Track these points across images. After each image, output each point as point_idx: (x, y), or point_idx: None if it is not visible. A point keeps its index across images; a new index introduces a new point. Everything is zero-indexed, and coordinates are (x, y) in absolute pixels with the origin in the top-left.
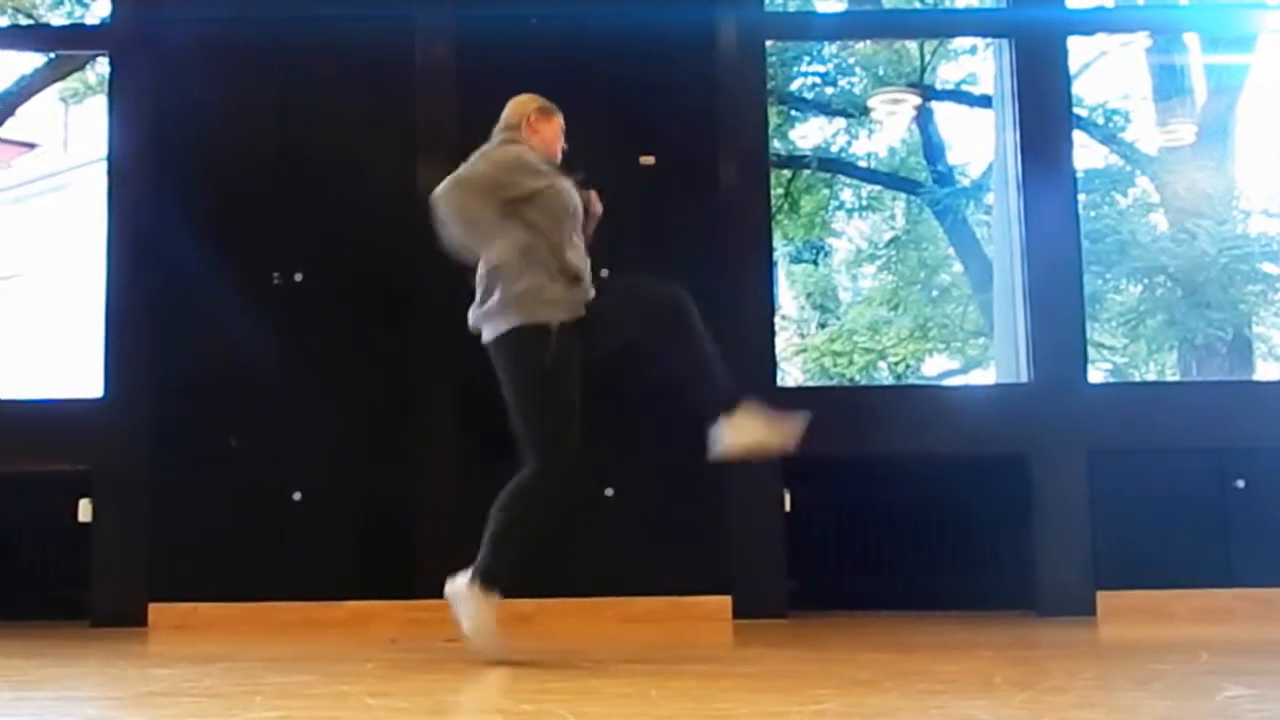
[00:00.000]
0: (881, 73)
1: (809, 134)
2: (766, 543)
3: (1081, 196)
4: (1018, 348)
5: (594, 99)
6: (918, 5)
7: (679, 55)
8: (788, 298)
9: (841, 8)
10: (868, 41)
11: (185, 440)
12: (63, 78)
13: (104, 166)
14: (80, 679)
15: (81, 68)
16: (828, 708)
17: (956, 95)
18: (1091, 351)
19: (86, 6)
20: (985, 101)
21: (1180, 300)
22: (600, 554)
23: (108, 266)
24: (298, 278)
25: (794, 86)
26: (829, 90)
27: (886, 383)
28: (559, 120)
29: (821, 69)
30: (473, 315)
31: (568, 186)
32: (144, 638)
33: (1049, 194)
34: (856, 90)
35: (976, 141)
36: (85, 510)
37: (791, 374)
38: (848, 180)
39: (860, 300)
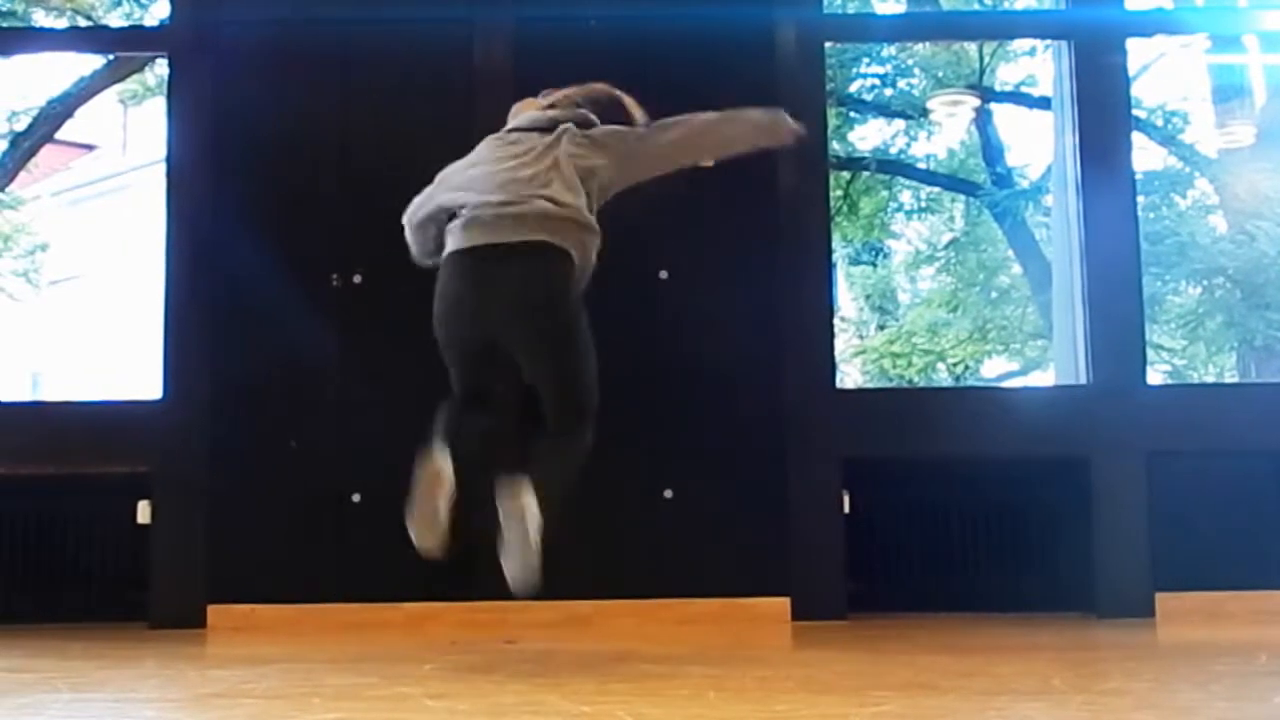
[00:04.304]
0: (940, 74)
1: (868, 135)
2: (825, 544)
3: (1141, 198)
4: (1076, 349)
5: (653, 100)
6: (977, 7)
7: (738, 57)
8: (847, 299)
9: (900, 9)
10: (927, 43)
11: (244, 442)
12: (122, 79)
13: (163, 168)
14: (139, 680)
15: (140, 69)
16: (887, 709)
17: (1015, 97)
18: (1151, 353)
19: (145, 8)
20: (1044, 103)
21: (1239, 302)
22: (658, 555)
23: (166, 268)
24: (357, 279)
25: (853, 88)
26: (888, 92)
27: (945, 384)
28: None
29: (880, 70)
30: None
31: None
32: (202, 639)
33: (1108, 196)
34: (915, 92)
35: (1035, 143)
36: (144, 512)
37: (851, 376)
38: (907, 182)
39: (919, 302)
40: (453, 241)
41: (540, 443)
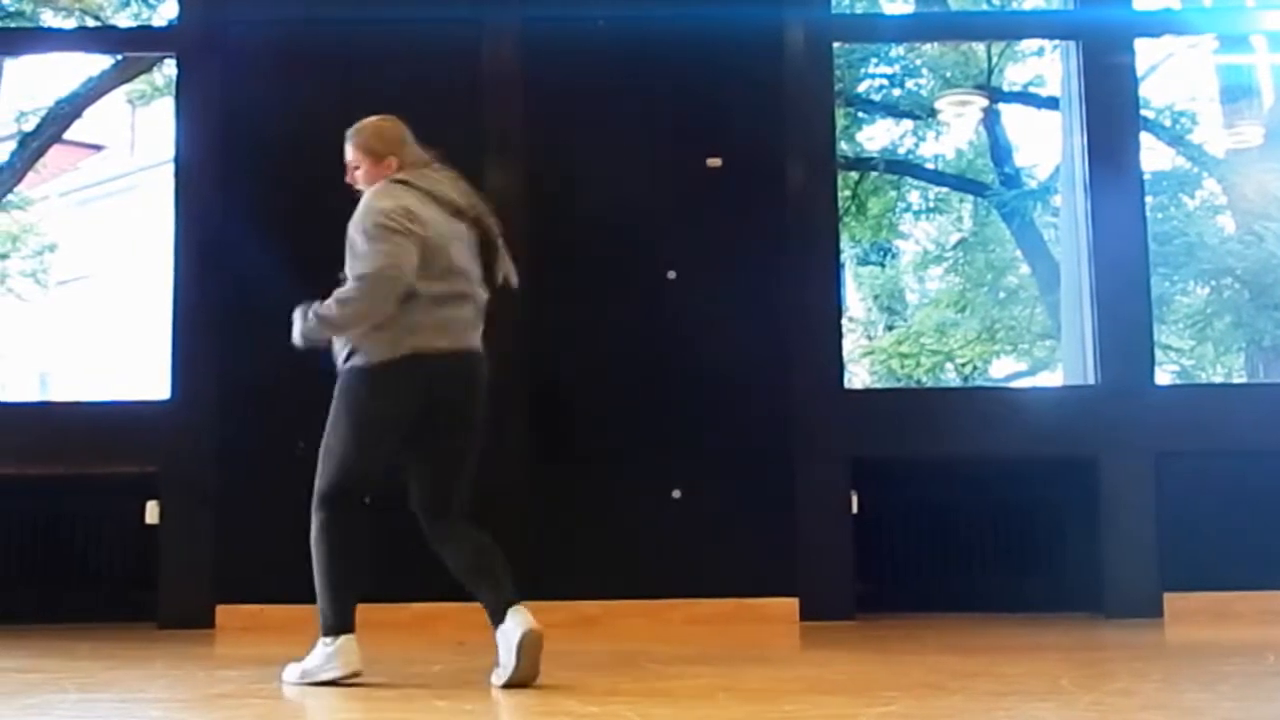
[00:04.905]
0: (949, 74)
1: (876, 136)
2: (834, 545)
3: (1149, 198)
4: (1085, 350)
5: (661, 101)
6: (985, 7)
7: (746, 57)
8: (855, 300)
9: (909, 9)
10: (935, 43)
11: (252, 443)
12: (130, 79)
13: (171, 168)
14: (147, 680)
15: (149, 69)
16: (895, 709)
17: (1024, 97)
18: (1159, 353)
19: (153, 8)
20: (1052, 103)
21: (1248, 302)
22: (667, 556)
23: (175, 269)
24: None
25: (861, 88)
26: (896, 92)
27: (954, 385)
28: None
29: (889, 71)
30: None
31: None
32: (211, 639)
33: (1116, 196)
34: (924, 92)
35: (1044, 143)
36: (152, 512)
37: (859, 376)
38: (915, 182)
39: (927, 302)
40: None
41: (476, 553)
